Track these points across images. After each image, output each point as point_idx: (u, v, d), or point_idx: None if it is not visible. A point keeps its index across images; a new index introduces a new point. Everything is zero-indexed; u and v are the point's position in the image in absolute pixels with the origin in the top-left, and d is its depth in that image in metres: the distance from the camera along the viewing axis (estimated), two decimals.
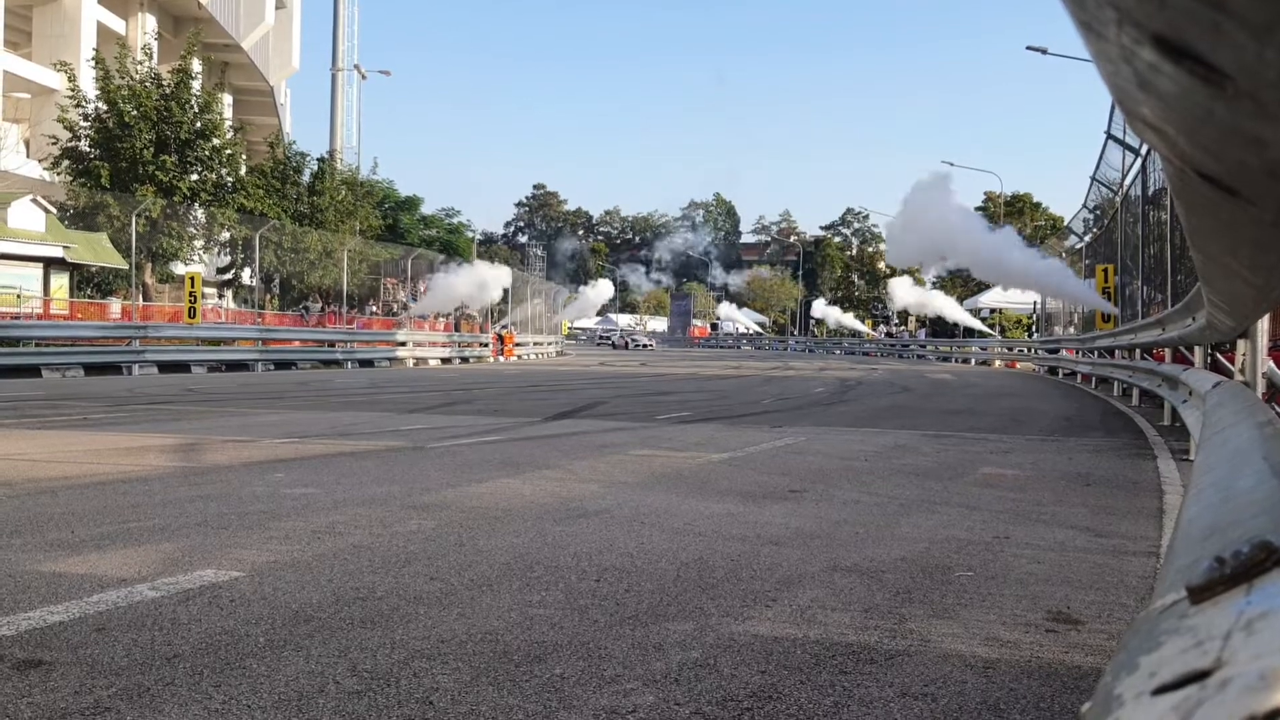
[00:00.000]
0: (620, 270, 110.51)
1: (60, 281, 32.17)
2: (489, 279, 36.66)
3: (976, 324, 49.97)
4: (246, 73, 54.33)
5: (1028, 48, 32.57)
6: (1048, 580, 4.30)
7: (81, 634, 3.26)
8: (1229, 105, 0.56)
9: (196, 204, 32.56)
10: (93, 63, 32.17)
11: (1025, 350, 40.49)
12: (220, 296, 41.48)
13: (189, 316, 25.16)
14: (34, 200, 31.22)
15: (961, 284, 67.03)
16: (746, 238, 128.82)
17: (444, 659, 3.10)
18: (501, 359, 38.41)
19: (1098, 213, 24.41)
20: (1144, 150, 15.83)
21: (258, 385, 19.45)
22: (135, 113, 30.65)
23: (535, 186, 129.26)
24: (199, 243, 34.30)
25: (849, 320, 73.28)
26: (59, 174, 31.81)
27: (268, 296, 37.25)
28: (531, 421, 11.66)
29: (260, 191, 35.42)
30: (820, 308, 77.57)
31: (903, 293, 53.89)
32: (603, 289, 58.85)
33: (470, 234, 73.36)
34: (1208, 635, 0.62)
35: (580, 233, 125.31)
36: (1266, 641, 0.56)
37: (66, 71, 31.18)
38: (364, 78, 61.20)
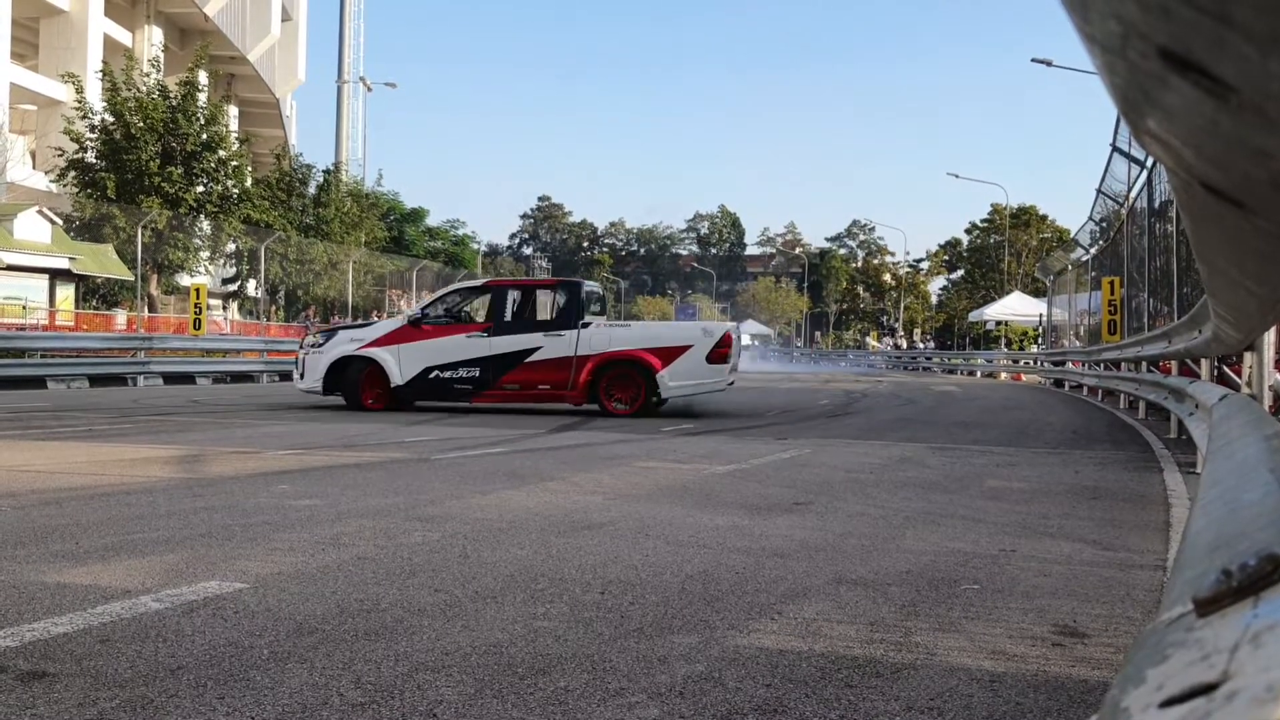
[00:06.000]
0: (624, 282, 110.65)
1: (66, 293, 32.28)
2: None
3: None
4: (252, 85, 54.61)
5: (1033, 60, 32.68)
6: (1054, 593, 4.28)
7: (85, 645, 3.26)
8: (1234, 118, 0.56)
9: (202, 215, 32.67)
10: (99, 75, 32.31)
11: (1031, 362, 40.44)
12: (225, 308, 41.56)
13: (194, 328, 25.21)
14: (40, 212, 31.35)
15: (967, 295, 67.06)
16: (751, 249, 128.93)
17: (448, 671, 3.09)
18: None
19: (1104, 225, 24.40)
20: (1149, 163, 15.84)
21: (263, 396, 19.48)
22: (141, 125, 30.78)
23: (540, 198, 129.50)
24: (204, 254, 34.41)
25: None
26: (65, 185, 31.94)
27: (273, 308, 37.33)
28: (535, 433, 11.66)
29: (266, 203, 35.55)
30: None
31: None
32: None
33: (475, 246, 73.47)
34: (1215, 648, 0.62)
35: (585, 244, 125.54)
36: (1274, 654, 0.56)
37: (73, 83, 31.31)
38: (369, 90, 61.43)
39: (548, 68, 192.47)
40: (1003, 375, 41.25)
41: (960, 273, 74.32)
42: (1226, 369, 10.93)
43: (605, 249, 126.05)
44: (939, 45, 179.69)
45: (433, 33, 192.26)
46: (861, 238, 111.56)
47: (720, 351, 14.56)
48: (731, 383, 15.44)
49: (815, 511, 6.33)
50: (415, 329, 14.97)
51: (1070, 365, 28.92)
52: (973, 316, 53.67)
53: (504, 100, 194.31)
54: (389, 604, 3.86)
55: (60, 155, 31.30)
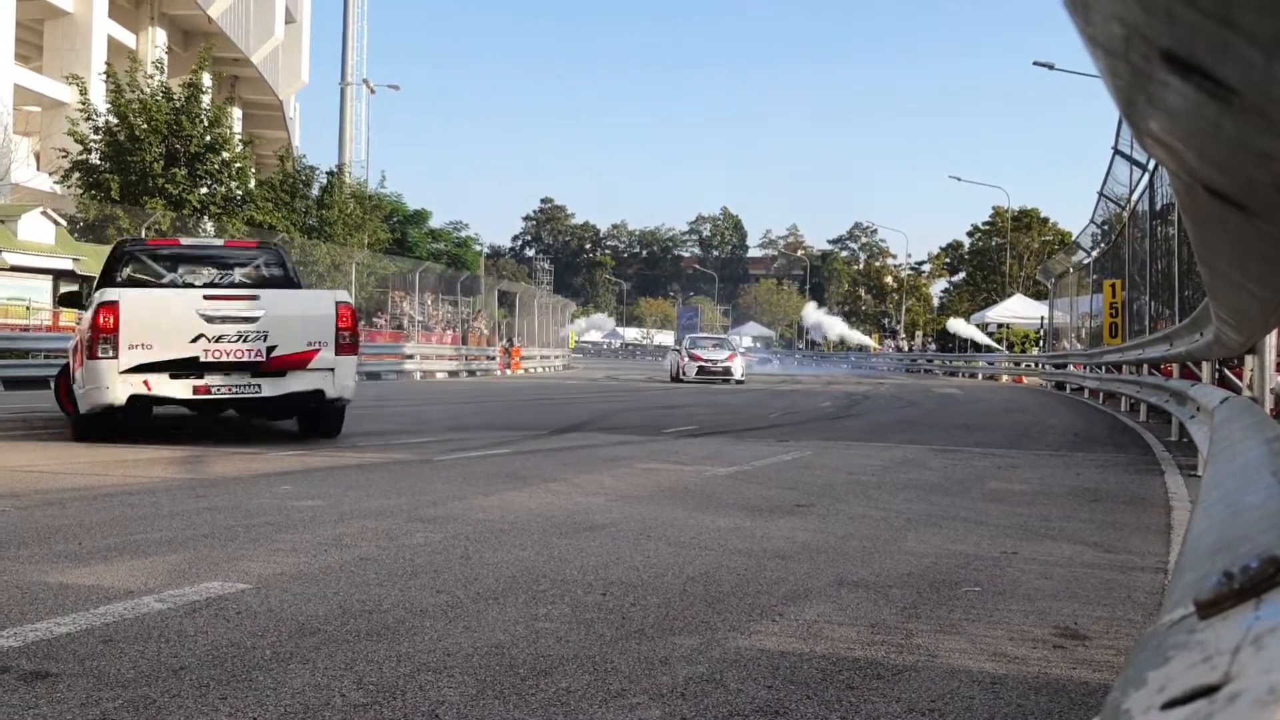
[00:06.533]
0: (626, 284, 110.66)
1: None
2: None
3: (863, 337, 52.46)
4: (256, 86, 54.59)
5: (1034, 63, 32.62)
6: (1055, 596, 4.28)
7: (88, 646, 3.26)
8: (1237, 120, 0.56)
9: (206, 217, 32.65)
10: (103, 76, 32.32)
11: (1032, 365, 40.38)
12: None
13: None
14: (44, 213, 31.34)
15: (969, 298, 66.98)
16: (753, 251, 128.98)
17: (450, 672, 3.09)
18: (508, 372, 38.43)
19: (1105, 228, 24.38)
20: (1151, 166, 15.83)
21: None
22: (146, 126, 30.78)
23: (543, 200, 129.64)
24: None
25: (845, 329, 73.55)
26: (69, 187, 31.93)
27: None
28: (538, 435, 11.66)
29: (269, 204, 35.53)
30: (813, 313, 78.46)
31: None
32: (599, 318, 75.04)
33: (478, 248, 73.50)
34: (1216, 650, 0.62)
35: (587, 246, 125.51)
36: (1275, 656, 0.56)
37: (77, 85, 31.31)
38: (373, 92, 61.35)
39: (550, 70, 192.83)
40: (1004, 378, 41.20)
41: (962, 275, 74.28)
42: (1228, 372, 10.92)
43: (607, 251, 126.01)
44: (941, 48, 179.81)
45: (436, 35, 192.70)
46: (863, 240, 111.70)
47: None
48: None
49: (817, 513, 6.33)
50: None
51: (1071, 368, 28.88)
52: (974, 319, 53.59)
53: (507, 102, 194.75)
54: (391, 605, 3.86)
55: (64, 156, 31.29)
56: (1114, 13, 0.56)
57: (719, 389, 26.92)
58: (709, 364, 30.49)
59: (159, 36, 47.37)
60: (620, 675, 3.10)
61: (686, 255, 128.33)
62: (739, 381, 29.97)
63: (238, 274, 11.22)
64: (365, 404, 18.35)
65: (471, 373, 36.65)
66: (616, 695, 2.93)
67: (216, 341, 9.30)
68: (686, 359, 31.09)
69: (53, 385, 12.16)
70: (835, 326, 73.70)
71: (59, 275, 31.29)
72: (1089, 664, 3.35)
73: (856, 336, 72.20)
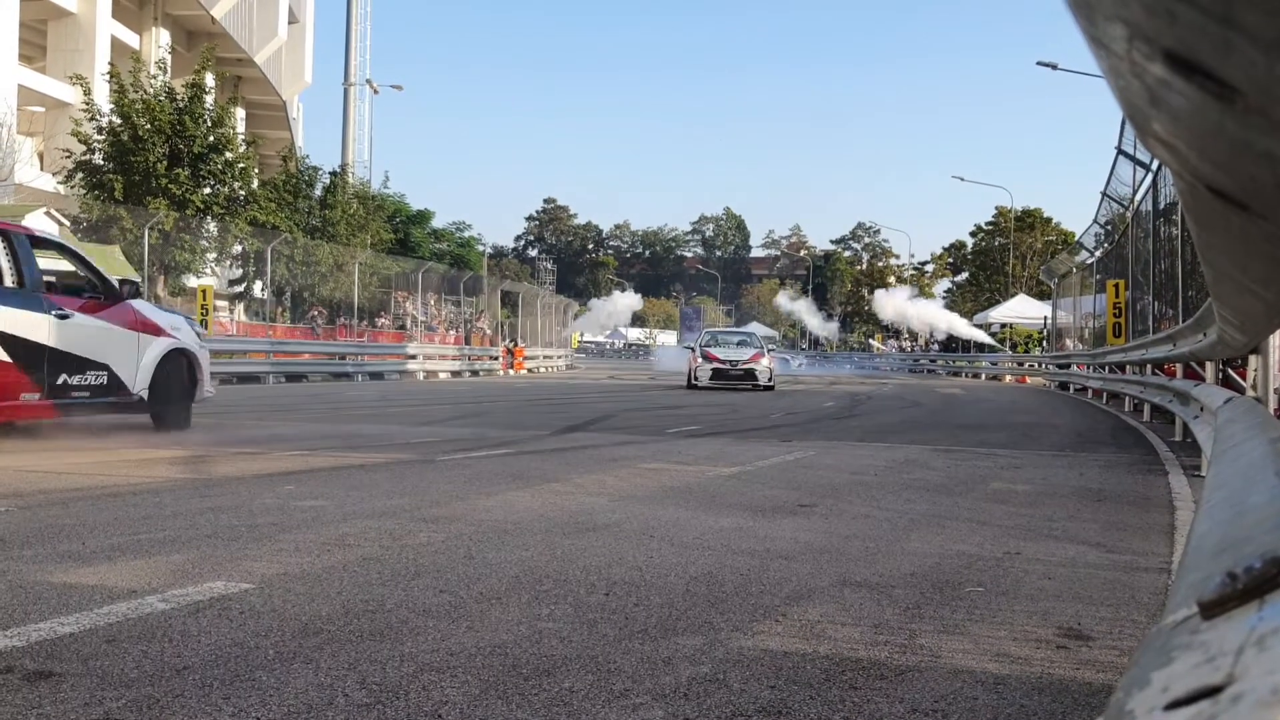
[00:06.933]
0: (630, 284, 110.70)
1: None
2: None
3: (981, 335, 50.23)
4: (259, 87, 54.62)
5: (1038, 63, 32.65)
6: (1059, 596, 4.28)
7: (92, 645, 3.27)
8: (1240, 120, 0.56)
9: (209, 217, 32.68)
10: (107, 77, 32.36)
11: (1036, 365, 40.36)
12: (231, 309, 41.60)
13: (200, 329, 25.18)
14: (47, 213, 31.34)
15: (972, 298, 66.94)
16: (756, 251, 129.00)
17: (453, 672, 3.10)
18: (511, 372, 38.46)
19: (1108, 228, 24.37)
20: (1154, 165, 15.81)
21: (268, 398, 19.50)
22: (149, 126, 30.81)
23: (545, 200, 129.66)
24: (211, 255, 34.40)
25: (812, 318, 73.55)
26: (72, 187, 31.95)
27: (279, 309, 37.34)
28: (541, 435, 11.67)
29: (272, 205, 35.55)
30: (783, 302, 78.47)
31: (890, 305, 56.34)
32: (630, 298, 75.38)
33: (481, 248, 73.56)
34: (1220, 651, 0.62)
35: (590, 246, 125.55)
36: (1278, 657, 0.56)
37: (81, 85, 31.35)
38: (376, 92, 61.33)
39: (552, 70, 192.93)
40: (1008, 379, 41.18)
41: (965, 275, 74.29)
42: (1232, 372, 10.90)
43: (610, 251, 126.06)
44: (942, 48, 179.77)
45: (438, 35, 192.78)
46: (866, 240, 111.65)
47: None
48: None
49: (820, 514, 6.33)
50: None
51: (1075, 368, 28.85)
52: (977, 319, 53.60)
53: (509, 102, 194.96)
54: (394, 605, 3.86)
55: (68, 157, 31.32)
56: (1116, 13, 0.56)
57: (718, 390, 25.98)
58: (727, 365, 25.95)
59: (162, 37, 47.42)
60: (623, 675, 3.10)
61: (689, 255, 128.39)
62: (767, 386, 25.77)
63: None
64: (368, 404, 18.39)
65: (474, 373, 36.71)
66: (619, 695, 2.93)
67: None
68: (700, 359, 26.41)
69: None
70: (801, 312, 74.15)
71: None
72: (1092, 664, 3.35)
73: (831, 327, 72.68)
